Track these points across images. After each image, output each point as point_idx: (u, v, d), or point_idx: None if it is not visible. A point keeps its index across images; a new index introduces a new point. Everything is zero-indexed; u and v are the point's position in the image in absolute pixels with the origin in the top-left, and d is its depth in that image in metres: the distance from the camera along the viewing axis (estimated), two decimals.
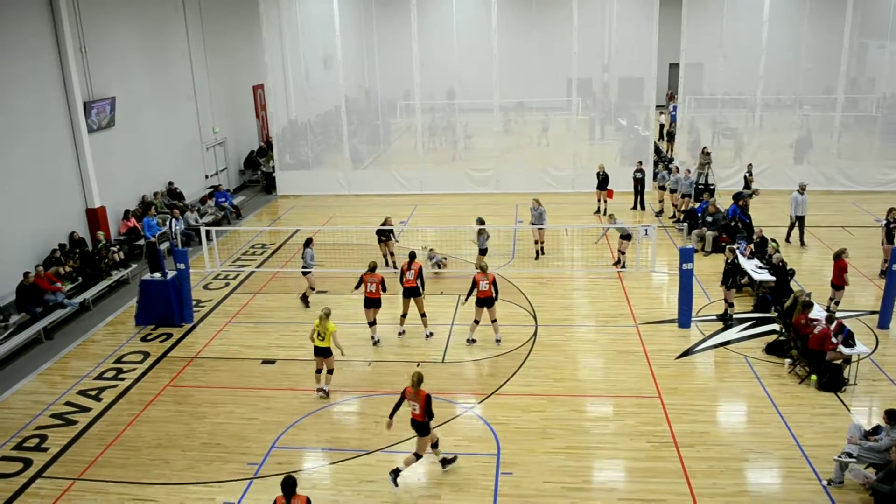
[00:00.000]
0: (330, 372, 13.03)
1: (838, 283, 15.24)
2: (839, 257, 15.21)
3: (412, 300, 14.98)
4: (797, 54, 26.50)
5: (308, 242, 16.95)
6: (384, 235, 19.01)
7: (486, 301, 14.41)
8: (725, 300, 15.54)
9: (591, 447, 11.32)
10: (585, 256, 19.90)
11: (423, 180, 27.16)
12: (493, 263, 19.11)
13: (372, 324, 15.02)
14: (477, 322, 14.72)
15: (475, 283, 14.35)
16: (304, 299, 17.14)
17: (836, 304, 15.36)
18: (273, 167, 28.30)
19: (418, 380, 10.31)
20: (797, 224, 19.98)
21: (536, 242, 19.65)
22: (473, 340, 14.85)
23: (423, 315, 15.11)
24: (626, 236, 18.26)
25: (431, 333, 15.20)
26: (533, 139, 29.98)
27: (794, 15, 27.26)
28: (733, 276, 15.34)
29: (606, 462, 11.01)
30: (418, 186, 27.14)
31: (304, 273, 16.94)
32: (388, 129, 30.36)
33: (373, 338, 15.05)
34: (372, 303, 14.80)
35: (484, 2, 26.91)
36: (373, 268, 14.83)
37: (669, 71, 36.02)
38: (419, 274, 14.87)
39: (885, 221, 17.58)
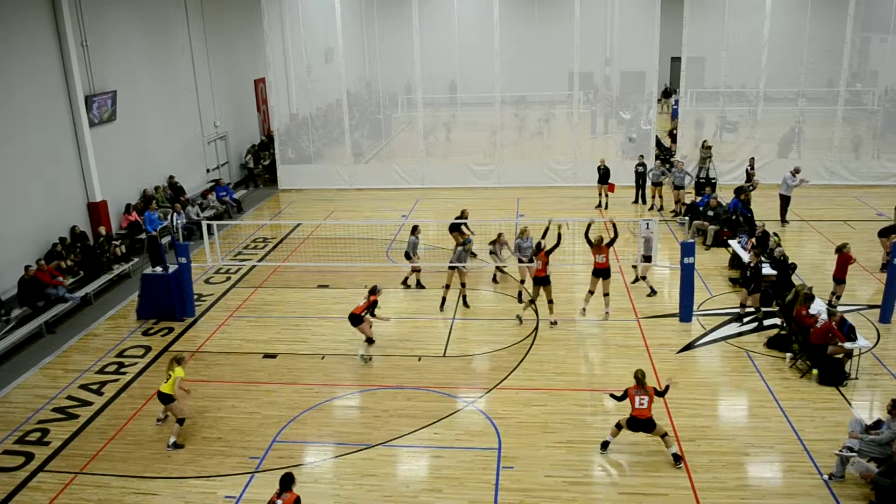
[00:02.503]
0: (179, 422, 11.68)
1: (840, 276, 15.23)
2: (841, 251, 15.20)
3: (542, 288, 15.26)
4: (799, 48, 26.42)
5: (414, 230, 17.30)
6: (457, 229, 18.62)
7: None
8: (743, 304, 15.21)
9: (592, 441, 11.31)
10: (587, 251, 19.83)
11: (425, 174, 27.12)
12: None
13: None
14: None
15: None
16: (408, 282, 17.56)
17: (838, 298, 15.35)
18: (250, 163, 28.29)
19: (643, 375, 10.78)
20: (782, 202, 21.09)
21: (523, 283, 16.96)
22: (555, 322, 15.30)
23: (549, 301, 15.31)
24: (647, 257, 16.54)
25: (556, 321, 15.42)
26: (537, 133, 29.93)
27: (796, 8, 27.20)
28: (756, 282, 15.02)
29: (607, 456, 11.01)
30: (419, 180, 27.11)
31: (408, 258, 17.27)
32: (389, 123, 30.33)
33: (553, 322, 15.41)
34: (540, 280, 15.18)
35: None
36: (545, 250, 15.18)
37: (671, 64, 35.97)
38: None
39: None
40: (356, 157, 28.04)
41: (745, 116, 28.18)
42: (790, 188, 20.95)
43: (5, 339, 15.00)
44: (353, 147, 27.73)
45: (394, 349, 14.61)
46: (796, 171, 20.98)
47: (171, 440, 11.56)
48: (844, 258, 15.16)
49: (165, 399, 11.58)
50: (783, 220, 21.17)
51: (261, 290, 18.02)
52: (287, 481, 8.86)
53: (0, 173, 16.90)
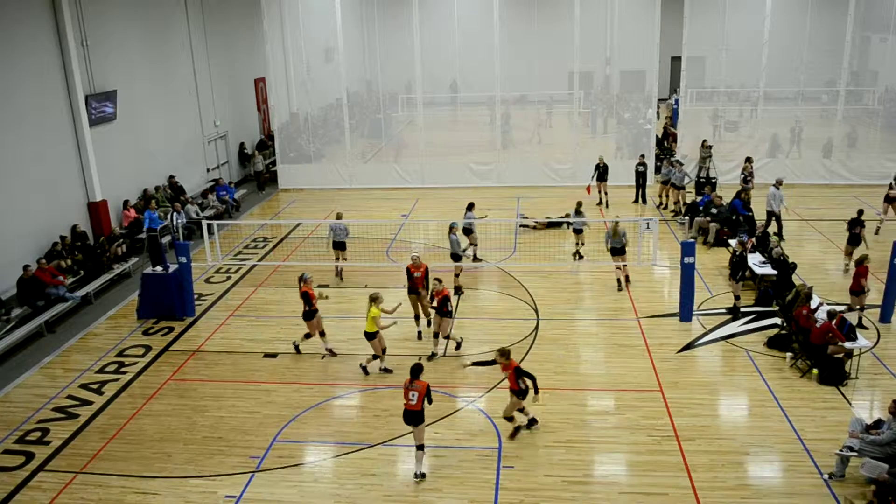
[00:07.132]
0: (375, 357, 13.44)
1: (857, 289, 14.73)
2: (861, 263, 14.75)
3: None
4: (799, 48, 26.43)
5: (452, 228, 16.80)
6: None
7: None
8: (734, 293, 15.48)
9: (592, 441, 11.33)
10: (587, 250, 19.88)
11: (425, 174, 27.11)
12: (493, 258, 19.17)
13: None
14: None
15: None
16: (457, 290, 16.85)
17: (862, 309, 14.77)
18: (259, 165, 28.17)
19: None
20: (774, 219, 19.68)
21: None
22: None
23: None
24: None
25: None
26: (534, 134, 29.95)
27: (796, 8, 27.26)
28: (741, 270, 15.23)
29: (607, 456, 11.03)
30: (420, 180, 27.11)
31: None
32: (389, 123, 30.34)
33: None
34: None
35: None
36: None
37: (671, 64, 36.00)
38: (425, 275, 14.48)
39: None
40: (356, 157, 28.02)
41: (745, 116, 28.20)
42: (779, 202, 19.42)
43: (5, 338, 15.00)
44: (353, 147, 27.70)
45: (394, 349, 14.59)
46: (779, 184, 19.65)
47: (382, 366, 13.50)
48: (862, 270, 14.70)
49: (369, 336, 13.11)
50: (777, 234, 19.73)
51: (261, 289, 18.02)
52: (417, 370, 10.39)
53: (0, 173, 16.90)
